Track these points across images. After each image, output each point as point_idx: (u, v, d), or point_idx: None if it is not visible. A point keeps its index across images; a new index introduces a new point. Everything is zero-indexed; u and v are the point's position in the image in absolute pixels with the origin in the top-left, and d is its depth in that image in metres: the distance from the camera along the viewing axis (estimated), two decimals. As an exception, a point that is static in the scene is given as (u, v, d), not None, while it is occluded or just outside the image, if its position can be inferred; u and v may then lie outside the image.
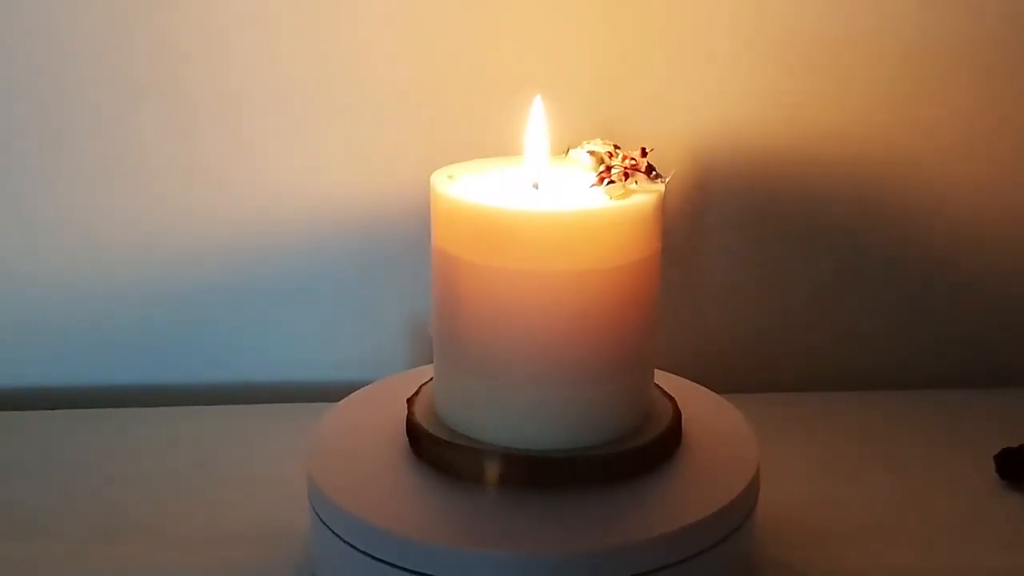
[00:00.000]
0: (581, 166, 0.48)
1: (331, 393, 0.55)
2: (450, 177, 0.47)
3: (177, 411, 0.64)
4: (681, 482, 0.47)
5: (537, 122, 0.49)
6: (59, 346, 0.66)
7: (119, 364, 0.67)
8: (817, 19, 0.63)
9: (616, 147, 0.48)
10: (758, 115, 0.64)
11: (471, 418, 0.47)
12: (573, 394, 0.46)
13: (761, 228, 0.66)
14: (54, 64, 0.61)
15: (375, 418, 0.51)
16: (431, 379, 0.51)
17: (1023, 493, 0.56)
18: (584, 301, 0.45)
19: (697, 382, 0.55)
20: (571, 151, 0.49)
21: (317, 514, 0.46)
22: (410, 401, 0.50)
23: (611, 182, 0.46)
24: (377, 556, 0.43)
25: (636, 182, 0.46)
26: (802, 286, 0.67)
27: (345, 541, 0.45)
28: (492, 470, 0.46)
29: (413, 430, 0.48)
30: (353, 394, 0.54)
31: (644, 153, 0.47)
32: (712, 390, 0.54)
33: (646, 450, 0.47)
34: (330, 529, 0.45)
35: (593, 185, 0.46)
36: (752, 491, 0.47)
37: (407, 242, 0.63)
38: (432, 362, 0.50)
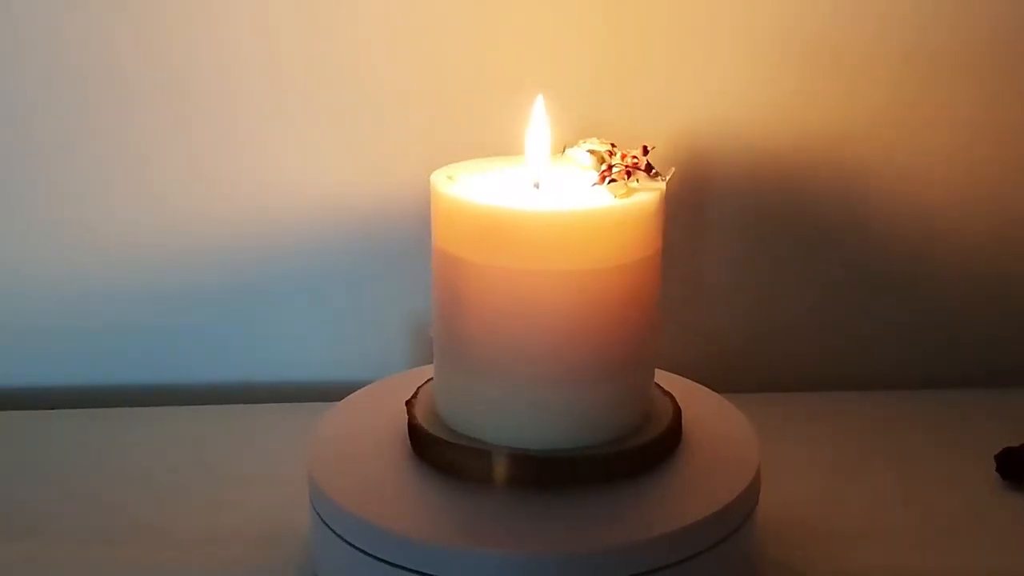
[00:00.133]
0: (578, 165, 0.48)
1: (331, 393, 0.55)
2: (450, 177, 0.47)
3: (177, 411, 0.64)
4: (682, 482, 0.47)
5: (539, 122, 0.49)
6: (59, 346, 0.66)
7: (119, 364, 0.67)
8: (818, 20, 0.63)
9: (613, 146, 0.48)
10: (758, 115, 0.64)
11: (472, 418, 0.47)
12: (574, 394, 0.46)
13: (761, 228, 0.66)
14: (53, 65, 0.61)
15: (376, 418, 0.51)
16: (431, 379, 0.51)
17: (1024, 493, 0.56)
18: (587, 300, 0.45)
19: (698, 382, 0.55)
20: (567, 150, 0.49)
21: (318, 514, 0.46)
22: (410, 401, 0.50)
23: (612, 180, 0.46)
24: (378, 556, 0.43)
25: (637, 180, 0.46)
26: (803, 286, 0.67)
27: (346, 541, 0.45)
28: (492, 470, 0.46)
29: (414, 430, 0.48)
30: (354, 394, 0.54)
31: (646, 151, 0.47)
32: (713, 390, 0.54)
33: (646, 449, 0.47)
34: (331, 529, 0.45)
35: (595, 184, 0.46)
36: (753, 491, 0.47)
37: (407, 242, 0.63)
38: (432, 362, 0.50)
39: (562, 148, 0.49)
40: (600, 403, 0.47)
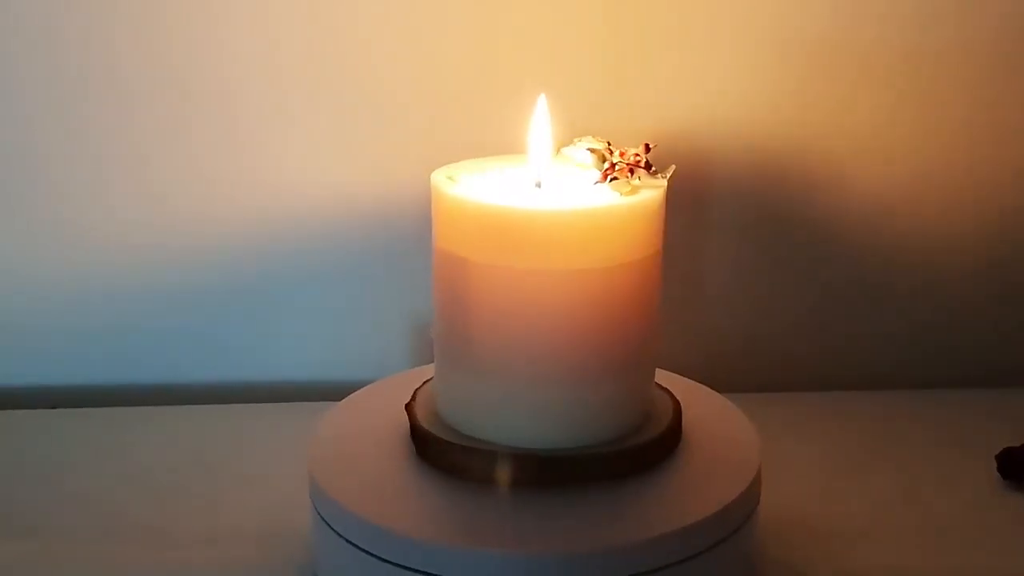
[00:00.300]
0: (576, 164, 0.48)
1: (332, 393, 0.55)
2: (450, 178, 0.47)
3: (177, 411, 0.64)
4: (683, 482, 0.47)
5: (541, 121, 0.49)
6: (59, 346, 0.66)
7: (119, 364, 0.67)
8: (818, 21, 0.63)
9: (609, 144, 0.48)
10: (759, 115, 0.64)
11: (472, 417, 0.47)
12: (575, 393, 0.46)
13: (762, 228, 0.66)
14: (53, 64, 0.61)
15: (376, 417, 0.51)
16: (431, 378, 0.51)
17: (1024, 493, 0.56)
18: (591, 299, 0.45)
19: (699, 382, 0.55)
20: (563, 149, 0.49)
21: (319, 513, 0.46)
22: (411, 401, 0.50)
23: (614, 179, 0.46)
24: (379, 555, 0.43)
25: (639, 178, 0.46)
26: (803, 287, 0.67)
27: (347, 540, 0.44)
28: (493, 470, 0.46)
29: (414, 430, 0.48)
30: (354, 393, 0.54)
31: (648, 149, 0.47)
32: (714, 390, 0.54)
33: (646, 449, 0.47)
34: (331, 528, 0.45)
35: (597, 182, 0.46)
36: (753, 491, 0.47)
37: (408, 241, 0.63)
38: (433, 361, 0.50)
39: (558, 148, 0.49)
40: (601, 403, 0.47)
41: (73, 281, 0.65)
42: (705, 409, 0.52)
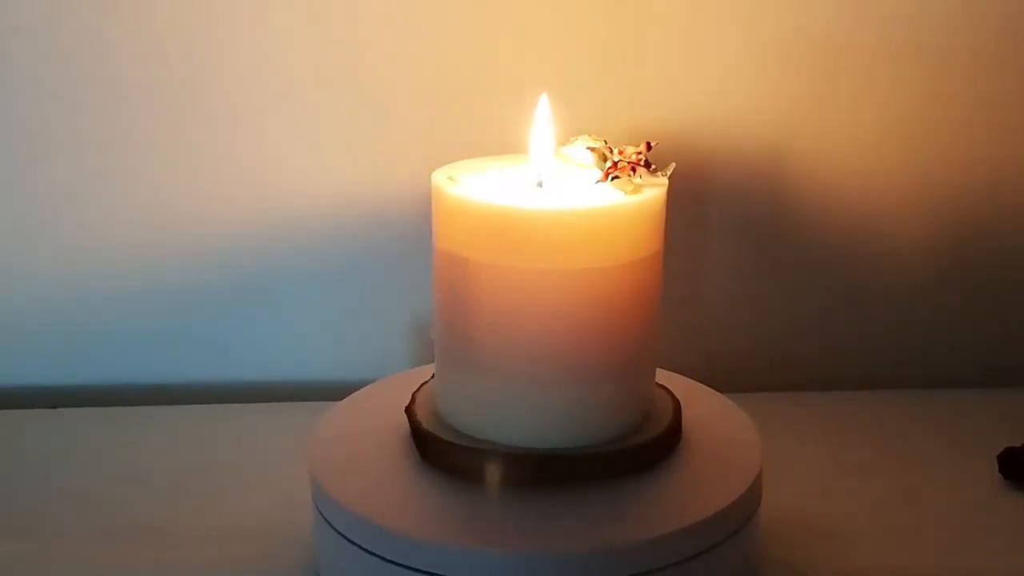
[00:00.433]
0: (574, 163, 0.48)
1: (332, 393, 0.55)
2: (451, 178, 0.47)
3: (178, 410, 0.64)
4: (684, 482, 0.47)
5: (543, 120, 0.49)
6: (60, 346, 0.66)
7: (119, 364, 0.67)
8: (820, 21, 0.63)
9: (605, 143, 0.48)
10: (760, 116, 0.64)
11: (473, 417, 0.47)
12: (577, 393, 0.46)
13: (762, 228, 0.66)
14: (54, 64, 0.61)
15: (377, 417, 0.51)
16: (431, 377, 0.51)
17: (1025, 492, 0.56)
18: (594, 298, 0.45)
19: (700, 382, 0.55)
20: (561, 149, 0.49)
21: (320, 513, 0.46)
22: (412, 400, 0.50)
23: (615, 177, 0.46)
24: (380, 555, 0.43)
25: (640, 176, 0.46)
26: (803, 287, 0.67)
27: (348, 540, 0.44)
28: (494, 469, 0.46)
29: (415, 429, 0.48)
30: (355, 393, 0.54)
31: (649, 147, 0.47)
32: (715, 390, 0.54)
33: (646, 448, 0.47)
34: (333, 528, 0.45)
35: (599, 181, 0.46)
36: (755, 491, 0.47)
37: (409, 241, 0.63)
38: (433, 361, 0.50)
39: (556, 148, 0.49)
40: (601, 402, 0.47)
41: (73, 281, 0.65)
42: (705, 409, 0.52)
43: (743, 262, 0.67)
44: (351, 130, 0.63)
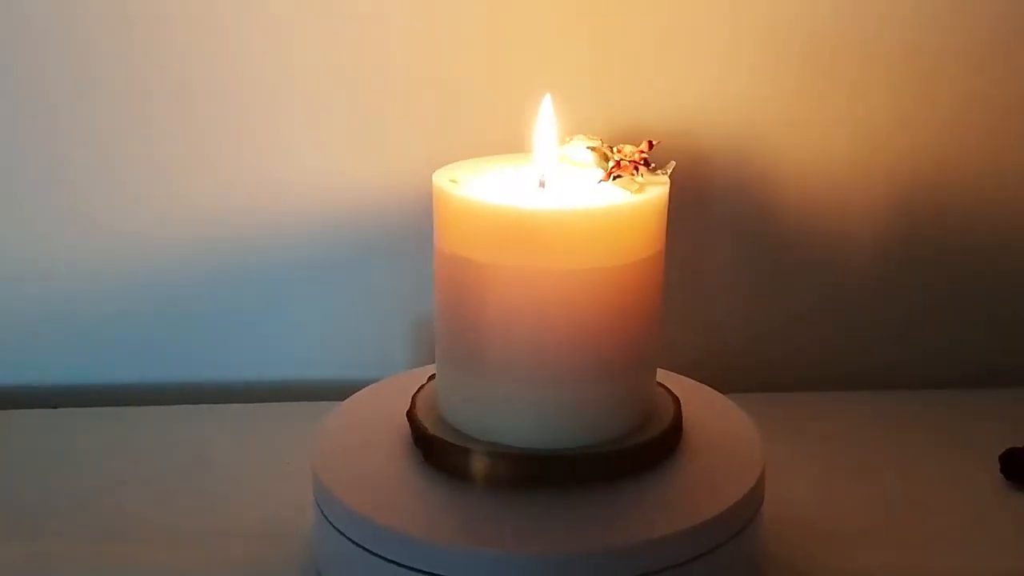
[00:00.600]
0: (572, 163, 0.48)
1: (332, 393, 0.55)
2: (453, 180, 0.47)
3: (179, 410, 0.64)
4: (687, 482, 0.47)
5: (546, 121, 0.48)
6: (60, 345, 0.66)
7: (120, 363, 0.67)
8: (818, 20, 0.62)
9: (602, 142, 0.48)
10: (759, 115, 0.64)
11: (475, 418, 0.47)
12: (580, 393, 0.46)
13: (762, 228, 0.66)
14: (57, 58, 0.61)
15: (379, 417, 0.51)
16: (433, 375, 0.51)
17: (1027, 493, 0.56)
18: (598, 298, 0.45)
19: (701, 382, 0.55)
20: (558, 148, 0.49)
21: (322, 512, 0.46)
22: (413, 400, 0.50)
23: (618, 176, 0.46)
24: (381, 554, 0.43)
25: (642, 175, 0.46)
26: (802, 286, 0.67)
27: (350, 539, 0.44)
28: (495, 469, 0.46)
29: (416, 429, 0.48)
30: (357, 393, 0.54)
31: (651, 146, 0.47)
32: (716, 390, 0.54)
33: (647, 448, 0.47)
34: (335, 527, 0.45)
35: (601, 180, 0.46)
36: (758, 491, 0.47)
37: (410, 241, 0.63)
38: (434, 361, 0.50)
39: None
40: (604, 402, 0.47)
41: (73, 281, 0.65)
42: (706, 409, 0.52)
43: (742, 262, 0.67)
44: (351, 130, 0.63)
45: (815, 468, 0.58)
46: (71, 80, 0.62)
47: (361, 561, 0.44)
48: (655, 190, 0.46)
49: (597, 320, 0.45)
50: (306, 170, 0.64)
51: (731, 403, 0.53)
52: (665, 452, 0.48)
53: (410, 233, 0.63)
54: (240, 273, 0.65)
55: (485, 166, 0.49)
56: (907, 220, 0.66)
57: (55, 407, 0.64)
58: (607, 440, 0.47)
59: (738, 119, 0.64)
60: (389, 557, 0.43)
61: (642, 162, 0.46)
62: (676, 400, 0.50)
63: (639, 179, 0.46)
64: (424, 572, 0.42)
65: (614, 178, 0.46)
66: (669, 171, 0.47)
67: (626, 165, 0.46)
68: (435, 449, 0.47)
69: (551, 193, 0.47)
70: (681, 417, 0.49)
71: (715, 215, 0.66)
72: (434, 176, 0.47)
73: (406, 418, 0.49)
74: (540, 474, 0.46)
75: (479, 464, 0.46)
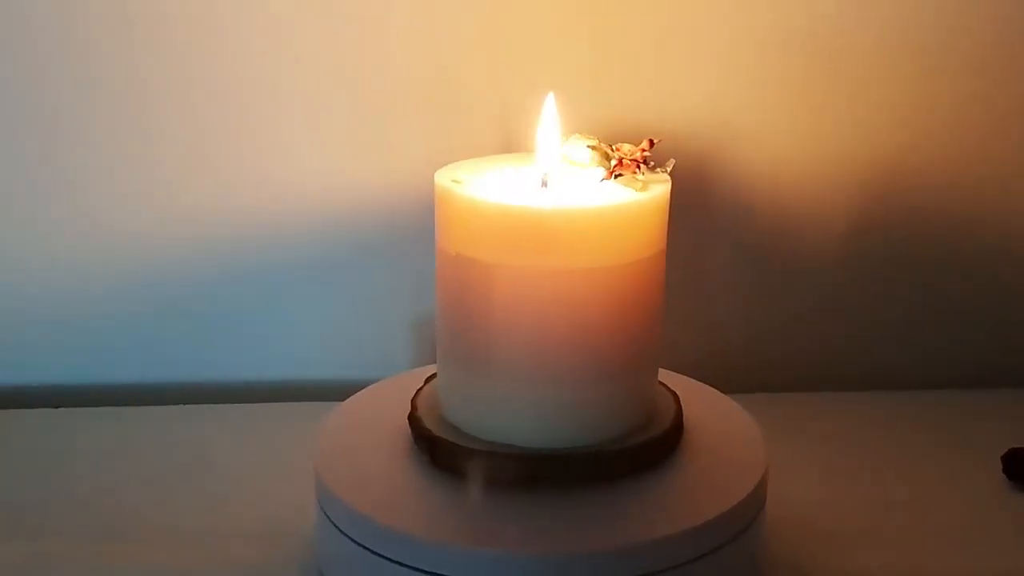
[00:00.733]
0: (571, 162, 0.48)
1: (332, 393, 0.55)
2: (456, 181, 0.47)
3: (180, 410, 0.64)
4: (688, 482, 0.47)
5: (549, 120, 0.48)
6: (61, 345, 0.66)
7: (120, 363, 0.66)
8: (821, 20, 0.62)
9: (600, 142, 0.48)
10: (760, 115, 0.64)
11: (476, 417, 0.47)
12: (581, 393, 0.46)
13: (762, 227, 0.66)
14: (57, 58, 0.61)
15: (380, 417, 0.51)
16: (433, 375, 0.51)
17: (1029, 493, 0.56)
18: (600, 297, 0.45)
19: (703, 382, 0.55)
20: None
21: (324, 512, 0.46)
22: (414, 400, 0.50)
23: (620, 175, 0.46)
24: (382, 554, 0.43)
25: (643, 174, 0.46)
26: (803, 286, 0.67)
27: (351, 539, 0.44)
28: (496, 469, 0.46)
29: (417, 429, 0.48)
30: (358, 393, 0.54)
31: (652, 144, 0.47)
32: (718, 390, 0.54)
33: (648, 447, 0.47)
34: (336, 527, 0.45)
35: (603, 179, 0.46)
36: (760, 491, 0.47)
37: (410, 241, 0.63)
38: (435, 361, 0.50)
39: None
40: (605, 401, 0.47)
41: (74, 280, 0.65)
42: (708, 408, 0.52)
43: (743, 262, 0.67)
44: (351, 130, 0.63)
45: (815, 468, 0.58)
46: (71, 80, 0.62)
47: (362, 561, 0.44)
48: (658, 188, 0.46)
49: (601, 319, 0.45)
50: (306, 170, 0.64)
51: (733, 403, 0.53)
52: (666, 452, 0.48)
53: (410, 233, 0.63)
54: (240, 273, 0.65)
55: (485, 166, 0.49)
56: (907, 220, 0.66)
57: (57, 407, 0.64)
58: (608, 440, 0.47)
59: (738, 119, 0.64)
60: (390, 557, 0.43)
61: (643, 160, 0.46)
62: (677, 400, 0.50)
63: (641, 177, 0.46)
64: (425, 572, 0.42)
65: (616, 177, 0.46)
66: (669, 169, 0.47)
67: (628, 164, 0.46)
68: (436, 448, 0.47)
69: (555, 192, 0.47)
70: (682, 417, 0.49)
71: (716, 215, 0.66)
72: (436, 176, 0.47)
73: (407, 418, 0.49)
74: (541, 474, 0.46)
75: (480, 463, 0.46)
